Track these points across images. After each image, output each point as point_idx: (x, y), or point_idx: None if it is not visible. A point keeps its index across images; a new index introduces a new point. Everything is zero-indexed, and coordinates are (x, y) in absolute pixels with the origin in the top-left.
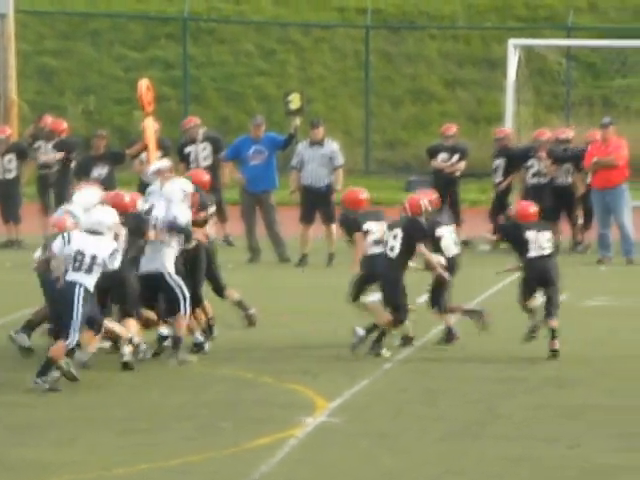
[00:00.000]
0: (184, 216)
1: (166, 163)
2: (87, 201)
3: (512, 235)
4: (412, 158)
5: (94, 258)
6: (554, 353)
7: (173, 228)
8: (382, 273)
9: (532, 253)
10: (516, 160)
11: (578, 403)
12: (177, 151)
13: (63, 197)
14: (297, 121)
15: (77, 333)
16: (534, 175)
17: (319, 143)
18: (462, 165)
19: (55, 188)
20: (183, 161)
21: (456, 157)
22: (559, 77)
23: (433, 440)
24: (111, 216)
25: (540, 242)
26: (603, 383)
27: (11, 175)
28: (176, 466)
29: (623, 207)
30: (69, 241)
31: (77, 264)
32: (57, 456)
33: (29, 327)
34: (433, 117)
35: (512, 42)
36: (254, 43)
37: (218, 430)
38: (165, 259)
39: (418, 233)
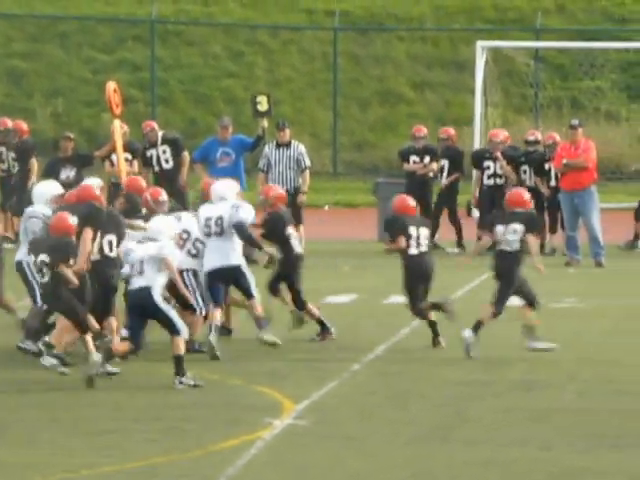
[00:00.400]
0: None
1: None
2: (46, 193)
3: (393, 228)
4: (380, 160)
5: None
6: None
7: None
8: (505, 269)
9: (412, 250)
10: (459, 160)
11: (546, 406)
12: (140, 155)
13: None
14: (265, 123)
15: (181, 325)
16: (490, 177)
17: (286, 145)
18: (434, 166)
19: (17, 191)
20: (146, 165)
21: (427, 159)
22: (527, 79)
23: (401, 443)
24: (171, 226)
25: (419, 238)
26: (571, 386)
27: None
28: (141, 468)
29: (592, 209)
30: (132, 250)
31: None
32: (20, 457)
33: (34, 335)
34: (401, 119)
35: (480, 44)
36: (222, 45)
37: (184, 432)
38: (238, 252)
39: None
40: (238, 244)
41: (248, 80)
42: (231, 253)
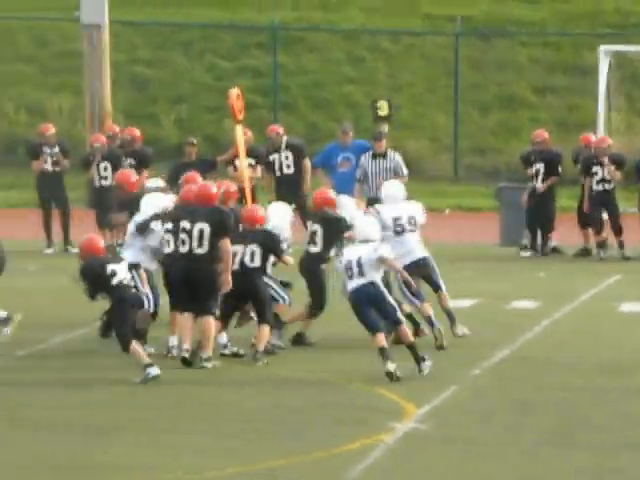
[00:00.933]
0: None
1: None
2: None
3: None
4: (503, 164)
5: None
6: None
7: None
8: None
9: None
10: (555, 164)
11: None
12: (263, 160)
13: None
14: (385, 128)
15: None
16: (599, 182)
17: (382, 156)
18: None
19: None
20: (268, 169)
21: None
22: None
23: (521, 448)
24: (377, 227)
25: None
26: None
27: (107, 182)
28: (263, 470)
29: None
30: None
31: (350, 272)
32: (141, 459)
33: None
34: (523, 123)
35: (603, 48)
36: (343, 51)
37: (305, 435)
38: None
39: None
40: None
41: (369, 85)
42: (419, 246)
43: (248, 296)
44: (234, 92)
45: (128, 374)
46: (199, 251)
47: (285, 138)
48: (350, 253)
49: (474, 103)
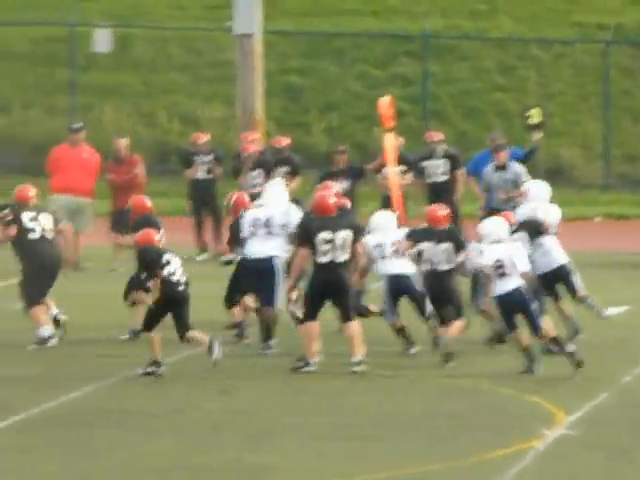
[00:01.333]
0: None
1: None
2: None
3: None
4: None
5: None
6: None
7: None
8: None
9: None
10: None
11: None
12: (414, 166)
13: None
14: (538, 135)
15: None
16: None
17: (502, 167)
18: None
19: None
20: (420, 176)
21: None
22: None
23: None
24: (505, 226)
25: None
26: None
27: (258, 190)
28: (417, 474)
29: None
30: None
31: (500, 271)
32: (289, 462)
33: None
34: None
35: None
36: (494, 59)
37: (457, 440)
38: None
39: None
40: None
41: (519, 93)
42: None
43: (446, 299)
44: (385, 100)
45: (276, 382)
46: (342, 259)
47: (443, 147)
48: (494, 253)
49: (626, 110)
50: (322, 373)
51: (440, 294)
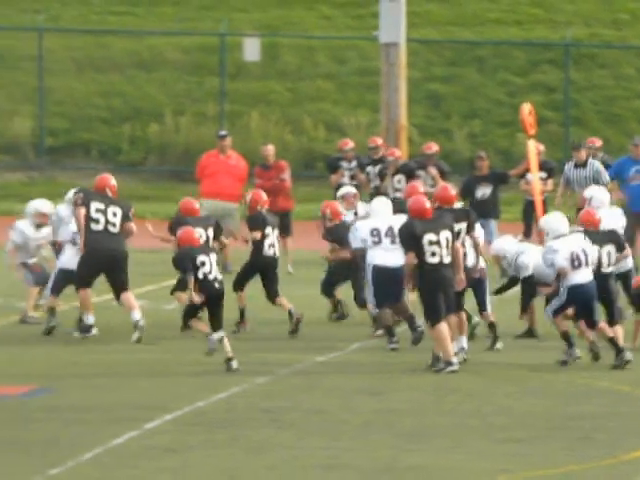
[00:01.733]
0: None
1: (351, 190)
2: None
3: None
4: None
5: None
6: None
7: None
8: None
9: None
10: None
11: None
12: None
13: None
14: None
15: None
16: None
17: (582, 165)
18: None
19: None
20: (567, 184)
21: None
22: None
23: None
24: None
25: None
26: None
27: (400, 194)
28: (558, 475)
29: None
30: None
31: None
32: (442, 462)
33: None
34: None
35: None
36: (635, 67)
37: (596, 441)
38: None
39: None
40: None
41: None
42: None
43: (611, 300)
44: (527, 107)
45: (422, 381)
46: (448, 259)
47: (601, 154)
48: (571, 246)
49: None
50: (464, 371)
51: (608, 295)
